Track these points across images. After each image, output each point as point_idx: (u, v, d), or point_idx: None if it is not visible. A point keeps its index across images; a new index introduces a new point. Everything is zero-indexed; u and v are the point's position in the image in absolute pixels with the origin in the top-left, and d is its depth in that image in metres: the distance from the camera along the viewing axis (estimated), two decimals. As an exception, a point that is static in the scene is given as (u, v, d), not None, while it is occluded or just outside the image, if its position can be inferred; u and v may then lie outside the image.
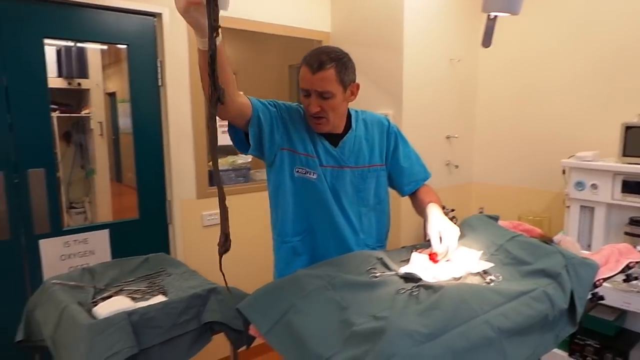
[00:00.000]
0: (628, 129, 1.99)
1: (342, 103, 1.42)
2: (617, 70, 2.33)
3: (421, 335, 0.90)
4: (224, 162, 2.65)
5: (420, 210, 1.52)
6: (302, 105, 1.48)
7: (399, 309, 1.03)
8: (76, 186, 3.86)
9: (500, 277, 1.19)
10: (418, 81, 2.63)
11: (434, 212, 1.41)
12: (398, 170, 1.58)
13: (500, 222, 1.55)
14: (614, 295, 1.86)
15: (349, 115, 1.53)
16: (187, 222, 2.43)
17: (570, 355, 2.07)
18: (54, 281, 1.50)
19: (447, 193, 2.85)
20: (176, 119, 2.37)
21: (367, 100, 2.72)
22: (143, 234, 2.28)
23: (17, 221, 1.97)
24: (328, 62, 1.34)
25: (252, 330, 1.14)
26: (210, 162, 2.62)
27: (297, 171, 1.45)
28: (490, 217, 1.53)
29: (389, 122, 1.60)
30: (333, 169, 1.47)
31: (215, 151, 0.99)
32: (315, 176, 1.45)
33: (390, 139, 1.57)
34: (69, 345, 1.23)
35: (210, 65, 0.90)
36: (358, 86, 1.44)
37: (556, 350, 2.12)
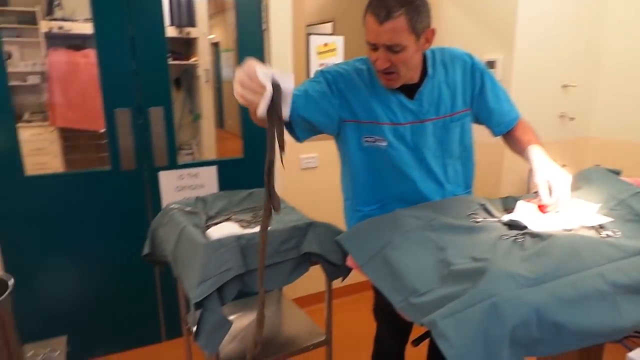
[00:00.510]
0: None
1: (415, 54, 1.24)
2: None
3: (525, 279, 0.88)
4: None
5: (519, 151, 1.37)
6: (367, 60, 1.33)
7: (501, 253, 1.00)
8: (185, 129, 4.21)
9: (620, 233, 1.09)
10: (534, 21, 2.37)
11: (538, 157, 1.25)
12: (486, 112, 1.42)
13: (623, 178, 1.40)
14: None
15: (424, 60, 1.35)
16: (285, 164, 2.53)
17: None
18: (173, 206, 1.68)
19: (559, 148, 2.62)
20: (278, 66, 2.43)
21: (470, 44, 2.54)
22: (247, 172, 2.43)
23: (141, 155, 2.21)
24: (397, 8, 1.14)
25: (349, 262, 1.20)
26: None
27: (366, 140, 1.35)
28: (611, 171, 1.39)
29: (472, 59, 1.41)
30: (413, 125, 1.35)
31: (263, 254, 0.97)
32: (385, 143, 1.33)
33: (476, 78, 1.39)
34: (187, 260, 1.40)
35: (267, 175, 0.90)
36: (434, 32, 1.25)
37: None
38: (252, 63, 0.93)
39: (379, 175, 1.39)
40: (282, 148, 0.90)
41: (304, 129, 1.32)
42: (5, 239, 2.03)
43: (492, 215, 1.21)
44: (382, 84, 1.31)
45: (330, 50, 2.57)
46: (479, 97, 1.41)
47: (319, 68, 2.41)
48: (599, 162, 2.54)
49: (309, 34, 2.51)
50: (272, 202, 0.87)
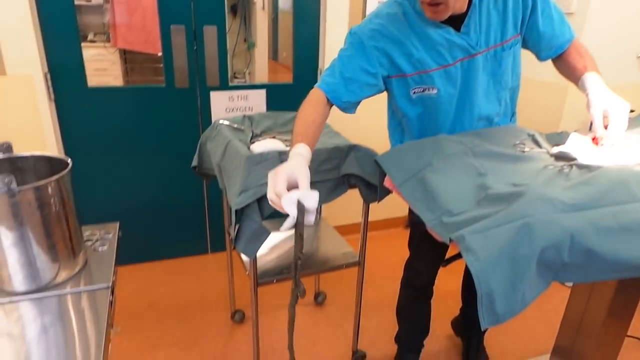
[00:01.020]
0: None
1: None
2: None
3: (564, 204, 0.85)
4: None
5: (573, 79, 1.25)
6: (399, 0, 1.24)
7: (543, 181, 0.97)
8: (238, 58, 4.21)
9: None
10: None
11: (594, 86, 1.14)
12: (536, 36, 1.29)
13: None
14: None
15: None
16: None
17: None
18: (221, 121, 1.73)
19: (637, 91, 2.40)
20: (333, 7, 2.35)
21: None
22: (295, 96, 2.42)
23: (194, 73, 2.26)
24: None
25: (387, 182, 1.21)
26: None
27: (414, 92, 1.28)
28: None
29: None
30: (462, 63, 1.26)
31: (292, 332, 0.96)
32: (435, 91, 1.27)
33: (527, 2, 1.26)
34: (231, 172, 1.46)
35: (294, 269, 0.89)
36: None
37: None
38: (279, 182, 0.94)
39: (430, 123, 1.34)
40: (299, 257, 0.91)
41: (353, 106, 1.30)
42: (69, 145, 2.20)
43: (540, 147, 1.16)
44: (427, 17, 1.20)
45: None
46: (530, 19, 1.28)
47: (377, 5, 2.32)
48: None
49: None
50: (298, 290, 0.90)
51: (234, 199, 1.35)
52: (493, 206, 0.92)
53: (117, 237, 1.04)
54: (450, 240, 0.90)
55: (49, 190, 0.81)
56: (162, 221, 2.50)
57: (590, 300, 1.33)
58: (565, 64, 1.30)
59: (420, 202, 1.06)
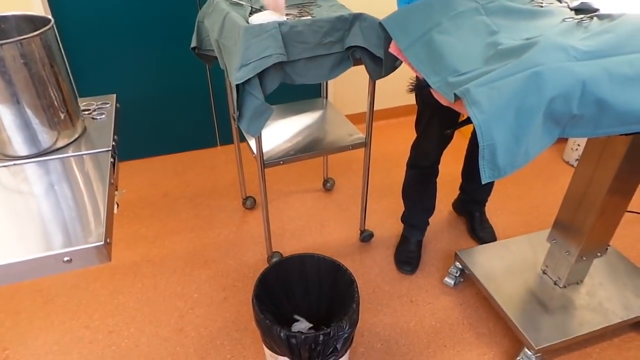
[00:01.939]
0: None
1: None
2: None
3: (578, 51, 0.80)
4: None
5: None
6: None
7: (559, 32, 0.90)
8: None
9: None
10: None
11: None
12: None
13: None
14: None
15: None
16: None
17: None
18: (218, -4, 1.62)
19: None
20: None
21: None
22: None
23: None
24: None
25: (392, 48, 1.14)
26: None
27: None
28: None
29: None
30: None
31: None
32: None
33: None
34: (230, 47, 1.39)
35: None
36: None
37: None
38: None
39: None
40: None
41: None
42: (70, 36, 2.11)
43: (560, 1, 1.06)
44: None
45: None
46: None
47: None
48: None
49: None
50: None
51: (234, 74, 1.30)
52: (502, 61, 0.87)
53: (115, 107, 1.02)
54: (456, 98, 0.86)
55: (33, 46, 0.77)
56: (167, 111, 2.48)
57: (593, 177, 1.31)
58: None
59: (426, 65, 1.01)
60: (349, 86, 2.54)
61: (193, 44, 1.72)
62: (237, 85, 1.32)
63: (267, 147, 1.65)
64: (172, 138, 2.58)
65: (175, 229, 2.07)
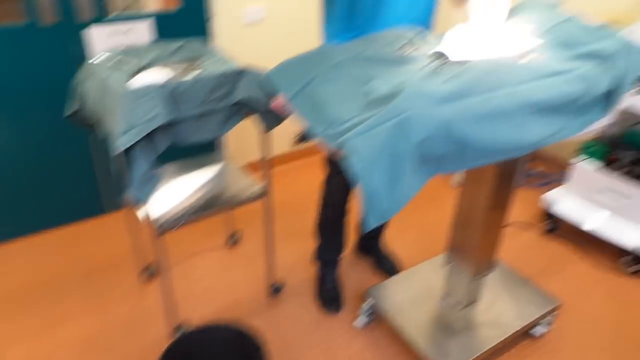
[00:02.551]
0: None
1: None
2: None
3: (437, 97, 0.90)
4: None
5: None
6: None
7: (421, 78, 1.01)
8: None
9: (543, 57, 1.10)
10: None
11: None
12: None
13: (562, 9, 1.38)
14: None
15: None
16: (227, 17, 2.35)
17: (607, 166, 2.09)
18: (98, 56, 1.56)
19: None
20: None
21: None
22: (188, 25, 2.25)
23: (64, 5, 1.95)
24: None
25: (275, 103, 1.18)
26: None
27: None
28: (550, 1, 1.37)
29: None
30: None
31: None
32: None
33: None
34: (112, 112, 1.33)
35: None
36: None
37: (586, 163, 2.14)
38: None
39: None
40: None
41: None
42: None
43: (423, 47, 1.19)
44: None
45: None
46: None
47: None
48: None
49: None
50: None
51: (118, 140, 1.24)
52: (376, 108, 0.95)
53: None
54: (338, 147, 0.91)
55: None
56: (46, 182, 2.24)
57: (473, 198, 1.45)
58: None
59: (310, 116, 1.06)
60: (248, 133, 2.55)
61: (68, 111, 1.62)
62: (122, 151, 1.26)
63: (161, 210, 1.56)
64: (53, 211, 2.33)
65: (66, 315, 1.83)
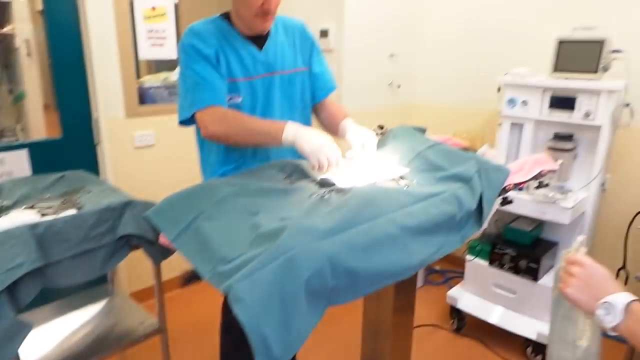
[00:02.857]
0: (561, 43, 1.98)
1: None
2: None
3: (320, 231, 0.90)
4: (154, 79, 2.48)
5: (332, 124, 1.50)
6: (214, 19, 1.39)
7: (305, 210, 1.02)
8: (5, 113, 3.56)
9: (415, 181, 1.19)
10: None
11: (353, 126, 1.41)
12: (313, 76, 1.54)
13: (432, 137, 1.54)
14: (531, 206, 1.95)
15: None
16: (117, 143, 2.31)
17: (490, 264, 2.21)
18: (-47, 199, 1.39)
19: (389, 113, 2.83)
20: (98, 30, 2.16)
21: (304, 13, 2.58)
22: (68, 154, 2.15)
23: None
24: None
25: (161, 239, 1.12)
26: (141, 79, 2.46)
27: (228, 100, 1.36)
28: (418, 128, 1.52)
29: (304, 25, 1.55)
30: (264, 78, 1.41)
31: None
32: (240, 99, 1.38)
33: (308, 43, 1.53)
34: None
35: None
36: None
37: (477, 260, 2.26)
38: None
39: None
40: None
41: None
42: None
43: (307, 176, 1.23)
44: (257, 28, 1.36)
45: (160, 15, 2.37)
46: (309, 60, 1.53)
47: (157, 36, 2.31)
48: (424, 125, 2.82)
49: (133, -3, 2.28)
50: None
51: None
52: (262, 245, 0.92)
53: None
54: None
55: None
56: None
57: (379, 304, 1.45)
58: (328, 112, 1.55)
59: (196, 255, 1.00)
60: (136, 260, 2.38)
61: None
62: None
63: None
64: None
65: None
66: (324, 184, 1.17)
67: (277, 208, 1.07)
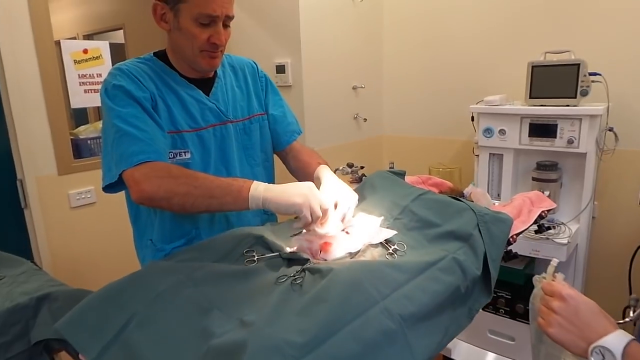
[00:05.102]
0: (534, 68, 1.87)
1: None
2: (522, 8, 2.20)
3: (295, 347, 0.65)
4: (91, 129, 2.20)
5: (305, 174, 1.25)
6: (148, 58, 1.15)
7: (273, 307, 0.77)
8: None
9: (405, 245, 0.98)
10: (318, 24, 2.32)
11: (328, 178, 1.16)
12: (272, 120, 1.32)
13: (407, 178, 1.35)
14: (523, 244, 1.78)
15: None
16: (49, 204, 1.99)
17: (484, 309, 2.01)
18: None
19: (357, 148, 2.65)
20: (19, 82, 1.87)
21: (259, 48, 2.39)
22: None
23: None
24: None
25: (82, 357, 0.83)
26: (73, 130, 2.17)
27: (170, 157, 1.09)
28: (396, 172, 1.32)
29: (256, 65, 1.34)
30: (215, 128, 1.18)
31: None
32: (188, 155, 1.12)
33: (262, 82, 1.32)
34: None
35: None
36: None
37: None
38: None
39: None
40: None
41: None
42: None
43: (271, 250, 0.98)
44: (203, 66, 1.13)
45: (93, 58, 2.11)
46: (265, 103, 1.32)
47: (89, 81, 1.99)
48: (394, 158, 2.64)
49: (59, 40, 2.01)
50: None
51: None
52: (216, 367, 0.67)
53: None
54: None
55: None
56: None
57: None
58: (299, 159, 1.31)
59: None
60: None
61: None
62: None
63: None
64: None
65: None
66: (295, 260, 0.93)
67: (234, 302, 0.82)
